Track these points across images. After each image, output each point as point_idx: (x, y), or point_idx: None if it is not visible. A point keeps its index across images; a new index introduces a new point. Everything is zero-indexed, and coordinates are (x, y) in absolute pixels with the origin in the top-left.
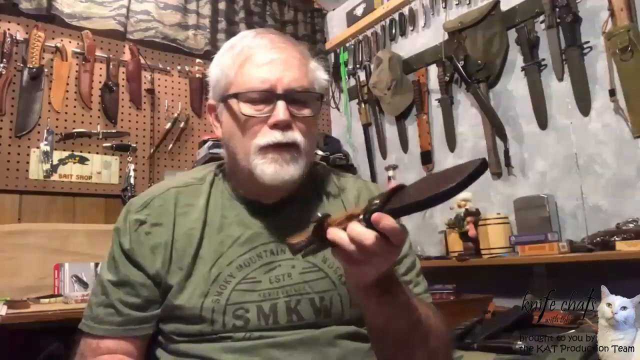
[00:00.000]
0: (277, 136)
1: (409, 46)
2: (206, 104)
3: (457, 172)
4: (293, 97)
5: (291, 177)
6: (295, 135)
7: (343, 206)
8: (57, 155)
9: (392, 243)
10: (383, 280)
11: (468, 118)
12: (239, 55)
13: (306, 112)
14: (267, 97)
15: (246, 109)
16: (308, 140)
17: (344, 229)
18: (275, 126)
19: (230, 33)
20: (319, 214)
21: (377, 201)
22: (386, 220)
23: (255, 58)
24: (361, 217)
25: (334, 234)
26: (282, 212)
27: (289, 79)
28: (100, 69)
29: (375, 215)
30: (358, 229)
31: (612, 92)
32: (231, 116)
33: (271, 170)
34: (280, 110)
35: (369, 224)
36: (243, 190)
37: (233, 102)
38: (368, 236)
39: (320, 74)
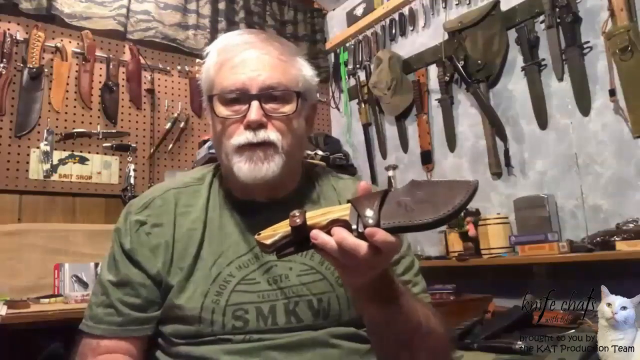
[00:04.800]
0: (248, 136)
1: (409, 46)
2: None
3: (452, 194)
4: (269, 96)
5: (266, 174)
6: (269, 134)
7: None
8: (57, 155)
9: (384, 254)
10: (382, 289)
11: (468, 118)
12: (219, 56)
13: (286, 109)
14: (242, 97)
15: (222, 110)
16: (288, 137)
17: (328, 232)
18: (248, 126)
19: None
20: (297, 212)
21: (372, 213)
22: (380, 236)
23: (232, 59)
24: (354, 227)
25: (322, 239)
26: (278, 211)
27: (263, 78)
28: (100, 69)
29: (370, 230)
30: (351, 241)
31: (612, 92)
32: (212, 117)
33: (246, 168)
34: (252, 111)
35: (360, 234)
36: (235, 190)
37: (213, 104)
38: (361, 248)
39: (306, 71)
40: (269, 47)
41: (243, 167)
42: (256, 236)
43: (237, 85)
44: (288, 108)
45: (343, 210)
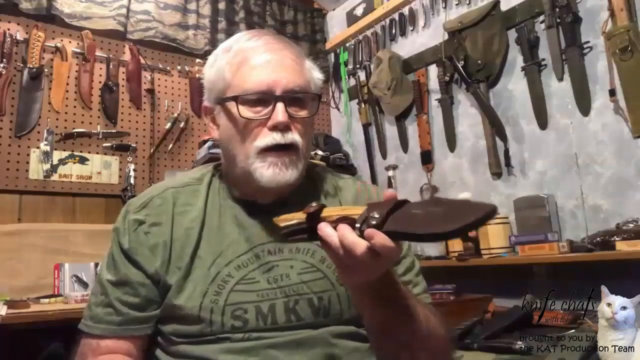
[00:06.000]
0: (276, 138)
1: (409, 46)
2: (202, 105)
3: (464, 212)
4: (291, 98)
5: (288, 181)
6: (294, 136)
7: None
8: (57, 155)
9: (382, 257)
10: (382, 289)
11: (468, 118)
12: (234, 57)
13: (303, 112)
14: (266, 99)
15: (245, 111)
16: (306, 140)
17: (336, 228)
18: (275, 128)
19: (230, 33)
20: (314, 203)
21: (378, 215)
22: (379, 238)
23: (252, 60)
24: (357, 225)
25: (325, 232)
26: (279, 212)
27: (287, 80)
28: (100, 69)
29: (369, 231)
30: (350, 238)
31: (612, 92)
32: (229, 119)
33: (269, 173)
34: (280, 112)
35: (362, 234)
36: (239, 191)
37: (231, 105)
38: (359, 247)
39: (315, 74)
40: (285, 50)
41: (266, 173)
42: (274, 219)
43: (261, 86)
44: (307, 111)
45: (358, 210)
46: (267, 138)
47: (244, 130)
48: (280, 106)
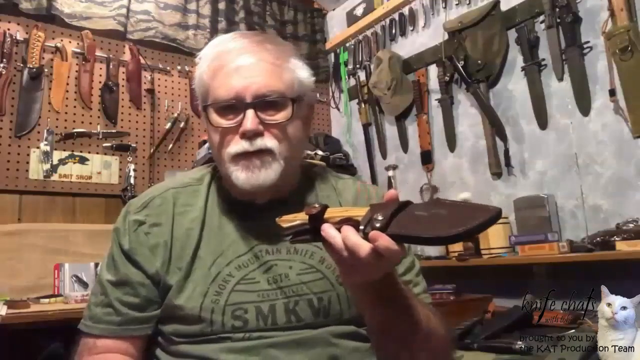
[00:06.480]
0: (244, 146)
1: (409, 46)
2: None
3: (469, 215)
4: (264, 103)
5: (263, 182)
6: (266, 142)
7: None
8: (57, 155)
9: (385, 259)
10: (383, 289)
11: (468, 118)
12: (212, 61)
13: (280, 116)
14: (236, 106)
15: (217, 119)
16: (285, 144)
17: (339, 229)
18: (244, 135)
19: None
20: (317, 204)
21: (382, 217)
22: (383, 241)
23: (226, 66)
24: (361, 227)
25: (329, 233)
26: (278, 212)
27: (258, 85)
28: (100, 69)
29: (373, 234)
30: (354, 240)
31: (612, 92)
32: (208, 125)
33: (243, 176)
34: (248, 120)
35: (366, 236)
36: (237, 192)
37: (209, 112)
38: (363, 249)
39: (301, 73)
40: (263, 52)
41: (240, 176)
42: (277, 219)
43: (231, 94)
44: (283, 115)
45: (361, 211)
46: (238, 146)
47: (219, 137)
48: (249, 113)
